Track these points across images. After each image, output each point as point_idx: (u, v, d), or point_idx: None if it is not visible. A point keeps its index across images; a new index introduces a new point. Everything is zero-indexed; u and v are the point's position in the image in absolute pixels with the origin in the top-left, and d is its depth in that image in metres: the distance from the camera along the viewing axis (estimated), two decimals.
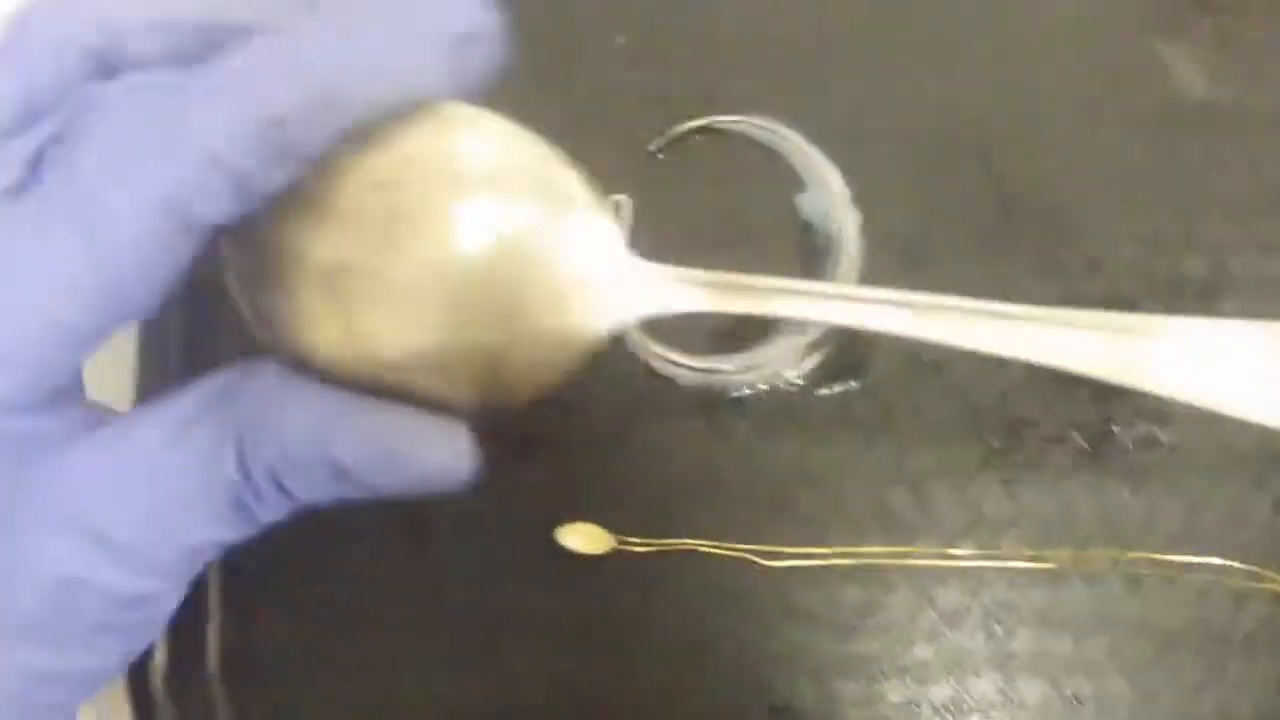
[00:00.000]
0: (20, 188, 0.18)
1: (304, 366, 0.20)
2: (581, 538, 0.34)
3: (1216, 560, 0.34)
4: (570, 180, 0.20)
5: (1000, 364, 0.35)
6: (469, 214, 0.19)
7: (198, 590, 0.35)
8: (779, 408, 0.35)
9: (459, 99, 0.19)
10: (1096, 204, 0.37)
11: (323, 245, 0.19)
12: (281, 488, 0.19)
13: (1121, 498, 0.35)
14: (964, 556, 0.34)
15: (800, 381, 0.35)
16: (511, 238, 0.19)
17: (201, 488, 0.19)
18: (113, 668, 0.22)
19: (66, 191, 0.18)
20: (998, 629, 0.34)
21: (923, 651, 0.34)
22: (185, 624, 0.34)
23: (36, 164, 0.18)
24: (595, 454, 0.35)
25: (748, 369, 0.35)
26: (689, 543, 0.34)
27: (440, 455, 0.20)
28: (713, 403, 0.35)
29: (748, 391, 0.35)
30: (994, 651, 0.34)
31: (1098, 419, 0.35)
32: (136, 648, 0.22)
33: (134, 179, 0.17)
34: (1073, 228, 0.36)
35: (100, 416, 0.20)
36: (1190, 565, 0.34)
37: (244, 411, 0.19)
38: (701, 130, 0.37)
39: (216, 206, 0.17)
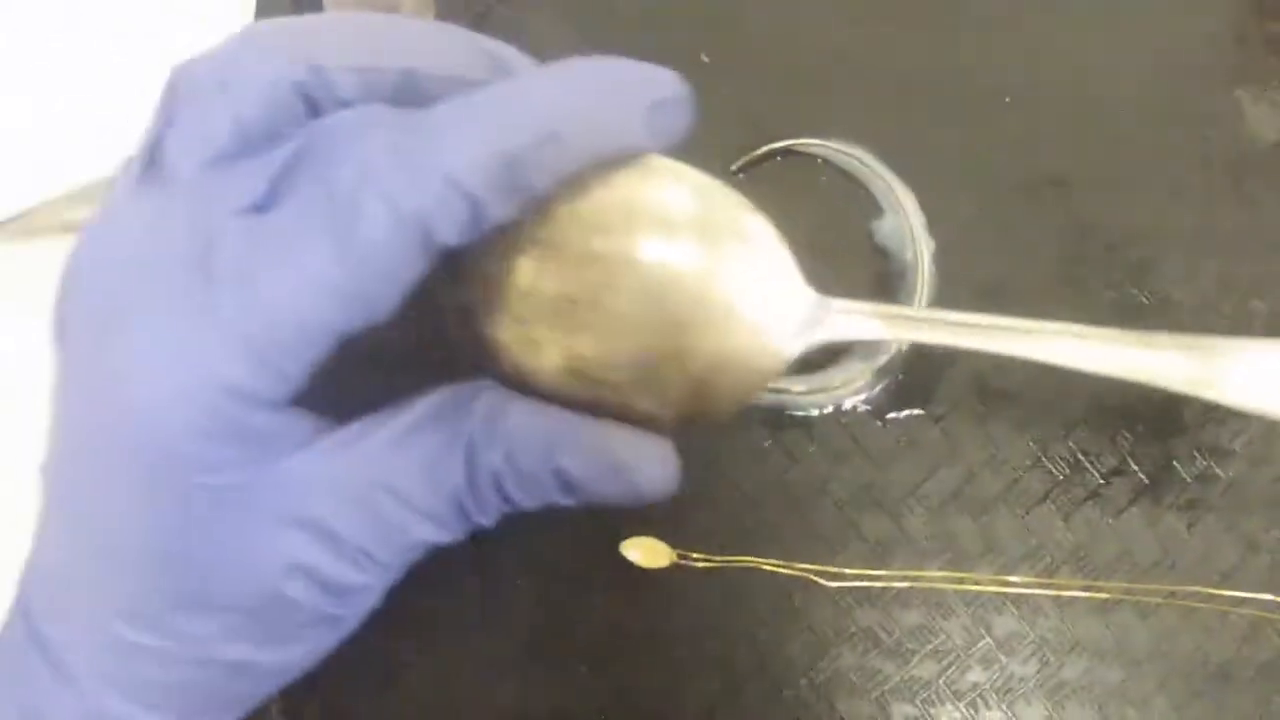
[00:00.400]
0: (267, 203, 0.20)
1: (523, 387, 0.22)
2: (643, 551, 0.35)
3: (1269, 596, 0.35)
4: (758, 223, 0.23)
5: (1066, 397, 0.36)
6: (675, 252, 0.22)
7: None
8: (846, 431, 0.36)
9: (657, 152, 0.22)
10: (1168, 243, 0.37)
11: (551, 280, 0.22)
12: (503, 494, 0.21)
13: (1178, 531, 0.35)
14: (1021, 584, 0.35)
15: (868, 406, 0.36)
16: (710, 272, 0.22)
17: (426, 491, 0.21)
18: (303, 664, 0.24)
19: (321, 205, 0.19)
20: (1051, 657, 0.34)
21: (976, 676, 0.34)
22: None
23: (278, 182, 0.20)
24: None
25: (817, 391, 0.35)
26: (750, 560, 0.35)
27: (655, 468, 0.22)
28: (780, 423, 0.36)
29: (815, 413, 0.36)
30: (1046, 679, 0.34)
31: (1158, 454, 0.36)
32: (328, 645, 0.24)
33: (386, 195, 0.19)
34: (1144, 265, 0.37)
35: (325, 423, 0.21)
36: (1242, 600, 0.35)
37: (473, 422, 0.21)
38: (782, 152, 0.37)
39: (453, 229, 0.19)
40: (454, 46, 0.22)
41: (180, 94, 0.21)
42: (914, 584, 0.35)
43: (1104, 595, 0.35)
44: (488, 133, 0.19)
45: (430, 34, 0.22)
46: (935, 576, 0.35)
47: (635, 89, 0.21)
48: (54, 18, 0.43)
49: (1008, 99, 0.38)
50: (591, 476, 0.21)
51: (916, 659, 0.34)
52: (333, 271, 0.19)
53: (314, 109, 0.21)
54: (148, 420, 0.20)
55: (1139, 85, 0.38)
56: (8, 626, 0.23)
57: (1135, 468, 0.36)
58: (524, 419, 0.21)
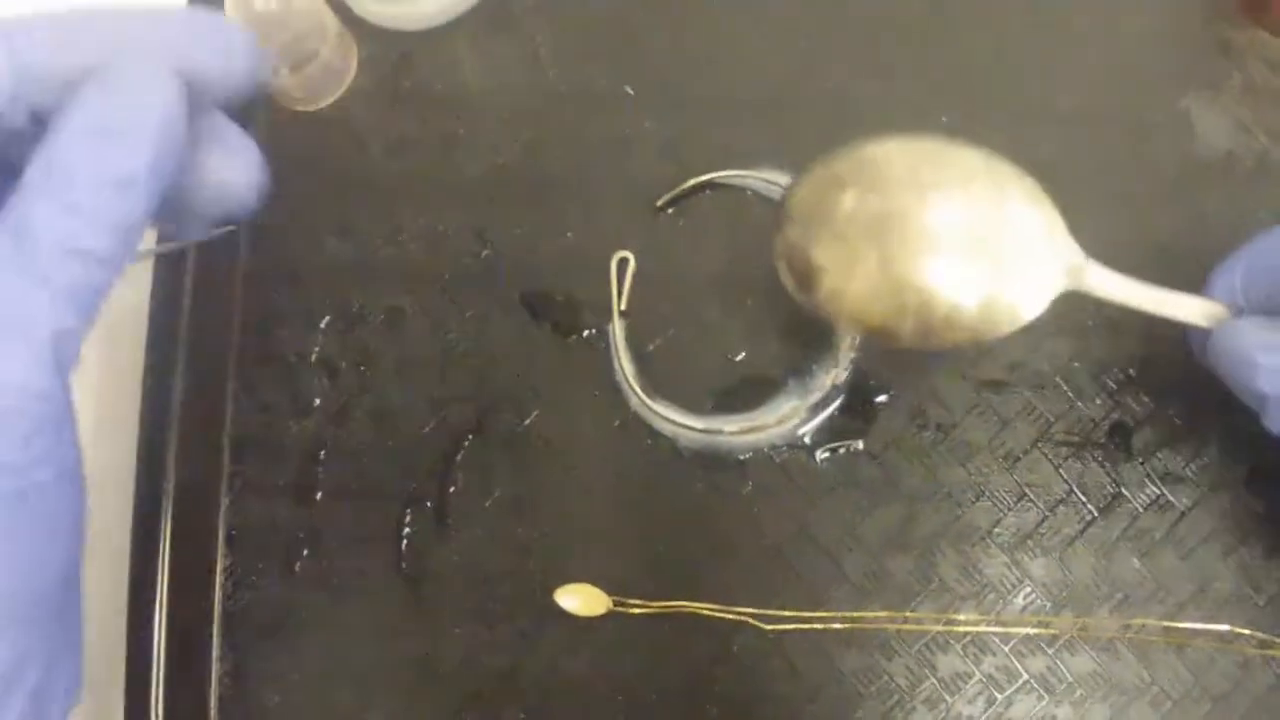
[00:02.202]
0: None
1: (836, 306, 0.30)
2: (579, 598, 0.34)
3: (1224, 627, 0.34)
4: (1036, 187, 0.30)
5: (1008, 426, 0.35)
6: (974, 191, 0.29)
7: (199, 643, 0.35)
8: (781, 469, 0.35)
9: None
10: (1112, 259, 0.35)
11: (871, 202, 0.29)
12: None
13: (1129, 563, 0.34)
14: (967, 622, 0.34)
15: (805, 442, 0.35)
16: (999, 206, 0.29)
17: None
18: None
19: None
20: (997, 695, 0.34)
21: (922, 717, 0.34)
22: (185, 675, 0.35)
23: None
24: (595, 515, 0.35)
25: (750, 430, 0.35)
26: (686, 605, 0.34)
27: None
28: (714, 464, 0.35)
29: (749, 454, 0.35)
30: (993, 718, 0.34)
31: (1107, 482, 0.35)
32: None
33: None
34: None
35: None
36: (1198, 632, 0.34)
37: None
38: (708, 185, 0.36)
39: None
40: None
41: None
42: (854, 625, 0.34)
43: (1053, 632, 0.34)
44: None
45: None
46: (876, 617, 0.34)
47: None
48: None
49: (944, 118, 0.36)
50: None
51: (860, 701, 0.34)
52: None
53: None
54: None
55: (1081, 95, 0.37)
56: None
57: (1083, 498, 0.34)
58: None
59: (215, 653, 0.35)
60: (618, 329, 0.35)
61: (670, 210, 0.36)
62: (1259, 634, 0.34)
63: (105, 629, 0.35)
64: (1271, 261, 0.29)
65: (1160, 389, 0.35)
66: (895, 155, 0.29)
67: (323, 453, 0.35)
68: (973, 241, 0.29)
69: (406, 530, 0.35)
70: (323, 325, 0.36)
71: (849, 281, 0.29)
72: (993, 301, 0.29)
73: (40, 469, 0.21)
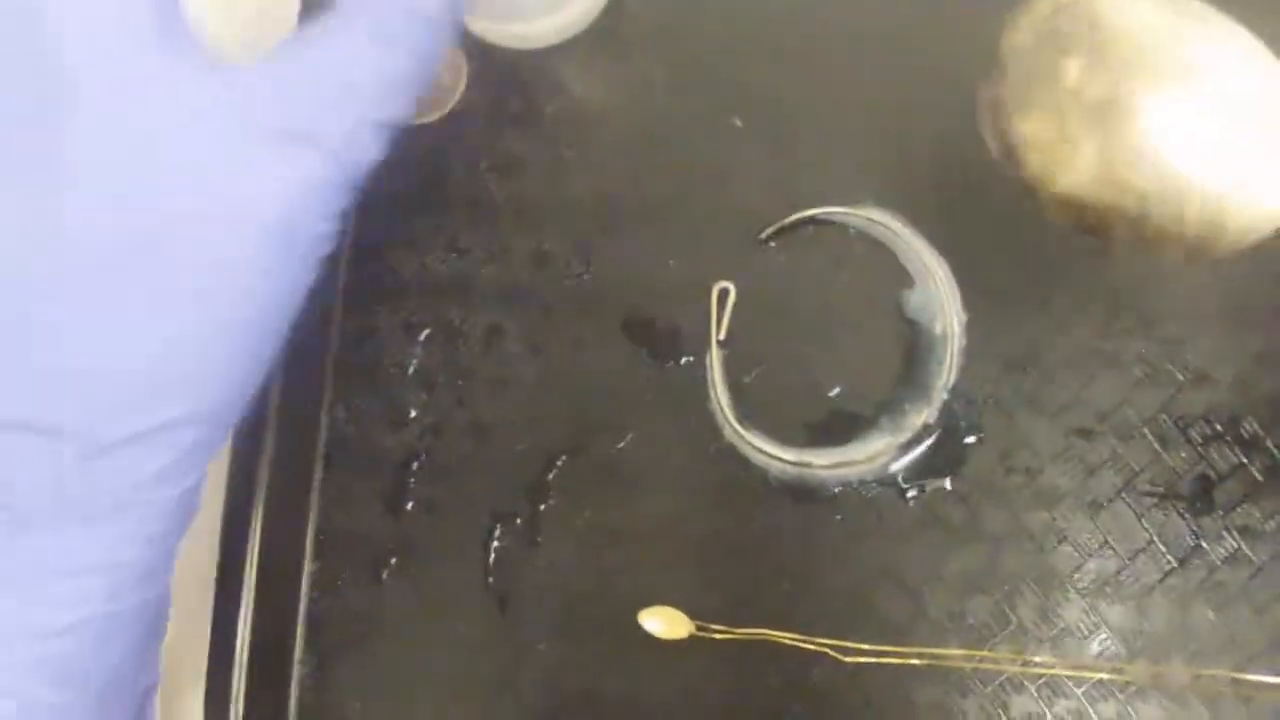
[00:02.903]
0: None
1: (1043, 184, 0.26)
2: (662, 621, 0.35)
3: None
4: None
5: (1093, 475, 0.35)
6: (1215, 80, 0.25)
7: (282, 646, 0.35)
8: (870, 505, 0.35)
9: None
10: (1205, 318, 0.36)
11: (1096, 82, 0.25)
12: None
13: (1204, 615, 0.35)
14: (1042, 664, 0.34)
15: (895, 479, 0.35)
16: (1246, 101, 0.25)
17: None
18: None
19: None
20: None
21: None
22: (267, 678, 0.35)
23: None
24: (683, 540, 0.35)
25: (839, 465, 0.35)
26: (767, 633, 0.35)
27: None
28: (803, 496, 0.35)
29: (838, 488, 0.35)
30: None
31: (1187, 534, 0.35)
32: None
33: None
34: (1179, 340, 0.36)
35: None
36: (1265, 685, 0.34)
37: None
38: (812, 220, 0.37)
39: None
40: None
41: None
42: (931, 662, 0.34)
43: (1126, 678, 0.34)
44: None
45: None
46: (953, 655, 0.34)
47: None
48: None
49: None
50: None
51: None
52: None
53: None
54: None
55: None
56: None
57: (1163, 549, 0.35)
58: None
59: (297, 657, 0.35)
60: (715, 358, 0.36)
61: (773, 243, 0.37)
62: None
63: (188, 628, 0.35)
64: None
65: (1246, 444, 0.35)
66: (1133, 17, 0.25)
67: (416, 464, 0.36)
68: (1210, 145, 0.25)
69: (495, 545, 0.35)
70: (422, 338, 0.37)
71: (1058, 168, 0.26)
72: (1218, 214, 0.25)
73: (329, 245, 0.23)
